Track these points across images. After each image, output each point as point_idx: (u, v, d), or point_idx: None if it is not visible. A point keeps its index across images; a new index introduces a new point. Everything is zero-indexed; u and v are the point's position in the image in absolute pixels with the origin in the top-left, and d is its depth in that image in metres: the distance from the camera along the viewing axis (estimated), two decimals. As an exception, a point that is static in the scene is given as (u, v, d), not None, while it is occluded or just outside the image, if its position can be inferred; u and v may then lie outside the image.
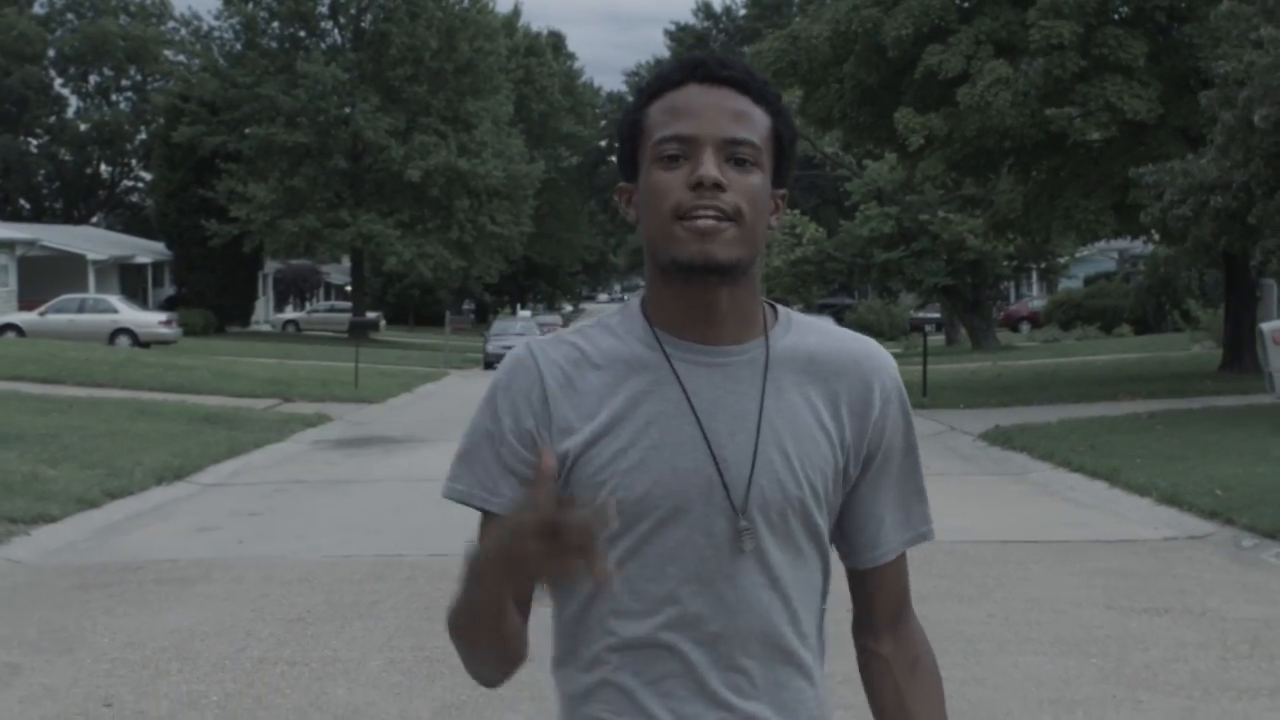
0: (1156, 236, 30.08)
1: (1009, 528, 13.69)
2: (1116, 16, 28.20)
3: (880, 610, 2.47)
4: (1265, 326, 12.60)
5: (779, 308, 2.41)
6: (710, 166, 2.22)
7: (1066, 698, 7.83)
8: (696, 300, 2.29)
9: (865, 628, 2.49)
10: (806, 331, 2.39)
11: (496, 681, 2.37)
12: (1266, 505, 13.25)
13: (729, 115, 2.26)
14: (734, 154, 2.24)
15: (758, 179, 2.26)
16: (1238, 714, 7.60)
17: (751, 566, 2.30)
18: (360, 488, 17.23)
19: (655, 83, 2.33)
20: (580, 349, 2.35)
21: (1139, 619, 9.72)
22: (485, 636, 2.25)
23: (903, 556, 2.48)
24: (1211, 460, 16.53)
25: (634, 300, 2.40)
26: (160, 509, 15.57)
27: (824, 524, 2.37)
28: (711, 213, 2.21)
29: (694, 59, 2.33)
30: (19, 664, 8.78)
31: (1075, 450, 18.43)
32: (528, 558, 2.00)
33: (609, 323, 2.39)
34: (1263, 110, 19.23)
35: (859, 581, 2.48)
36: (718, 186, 2.21)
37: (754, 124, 2.28)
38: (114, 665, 8.71)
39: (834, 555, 2.48)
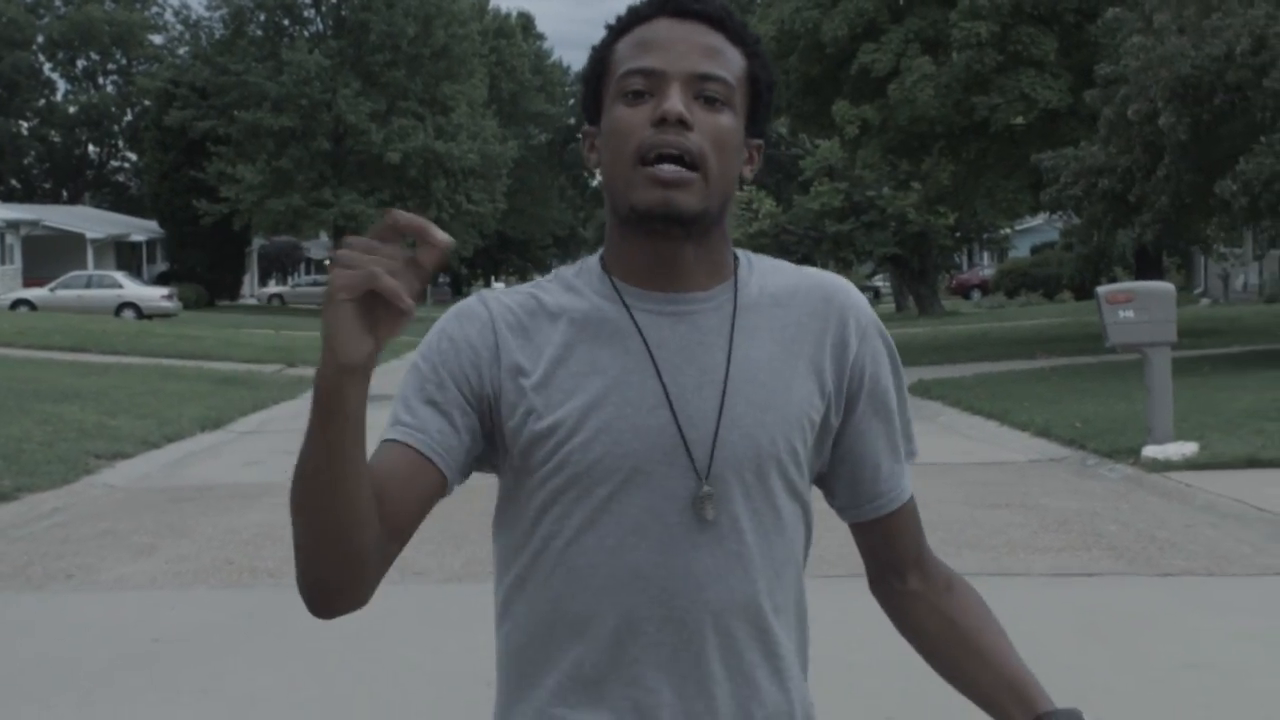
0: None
1: (909, 456, 16.61)
2: (1033, 14, 30.48)
3: (902, 555, 2.26)
4: (1100, 290, 15.25)
5: (736, 251, 2.17)
6: (676, 101, 2.00)
7: (909, 555, 10.84)
8: (660, 253, 2.07)
9: (886, 574, 2.28)
10: (769, 271, 2.17)
11: (325, 591, 1.99)
12: (1110, 433, 16.06)
13: (700, 50, 2.04)
14: (703, 91, 2.03)
15: (728, 119, 2.04)
16: (1027, 561, 10.45)
17: (720, 535, 2.07)
18: (374, 433, 20.01)
19: (625, 18, 2.13)
20: (537, 299, 2.13)
21: (984, 511, 12.52)
22: (325, 492, 1.90)
23: (911, 497, 2.25)
24: (1083, 401, 19.35)
25: (591, 257, 2.18)
26: (210, 449, 18.49)
27: (802, 481, 2.14)
28: (674, 151, 1.99)
29: None
30: (152, 544, 11.80)
31: (978, 397, 21.16)
32: (354, 261, 1.81)
33: (565, 278, 2.16)
34: (1135, 105, 22.04)
35: (867, 533, 2.25)
36: (682, 123, 2.00)
37: (727, 61, 2.06)
38: (222, 543, 11.70)
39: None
